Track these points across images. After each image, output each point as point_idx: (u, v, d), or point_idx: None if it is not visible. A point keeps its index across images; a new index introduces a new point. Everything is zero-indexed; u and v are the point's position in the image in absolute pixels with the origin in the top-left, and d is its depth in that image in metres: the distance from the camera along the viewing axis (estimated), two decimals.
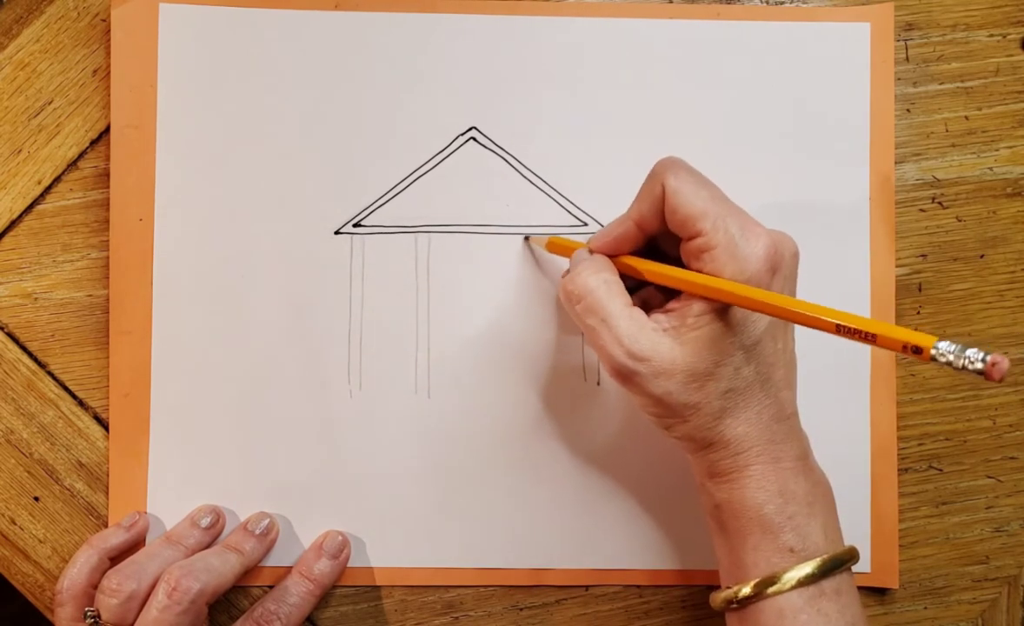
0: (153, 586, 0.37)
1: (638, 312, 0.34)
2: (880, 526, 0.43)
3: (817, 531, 0.34)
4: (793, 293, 0.35)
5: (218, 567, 0.39)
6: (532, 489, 0.43)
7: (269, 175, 0.43)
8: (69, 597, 0.39)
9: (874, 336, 0.28)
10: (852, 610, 0.34)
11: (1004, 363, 0.25)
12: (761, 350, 0.34)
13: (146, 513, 0.42)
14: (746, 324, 0.33)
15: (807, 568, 0.33)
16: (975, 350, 0.25)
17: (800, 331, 0.42)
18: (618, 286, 0.35)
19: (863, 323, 0.28)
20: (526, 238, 0.43)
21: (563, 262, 0.42)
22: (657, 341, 0.33)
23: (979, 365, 0.25)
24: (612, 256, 0.37)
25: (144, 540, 0.42)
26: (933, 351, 0.26)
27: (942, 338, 0.26)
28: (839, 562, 0.34)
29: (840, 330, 0.29)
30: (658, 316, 0.34)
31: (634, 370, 0.33)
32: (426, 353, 0.43)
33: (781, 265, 0.33)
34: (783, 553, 0.33)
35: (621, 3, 0.43)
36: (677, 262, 0.35)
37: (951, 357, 0.26)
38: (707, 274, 0.33)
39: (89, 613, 0.38)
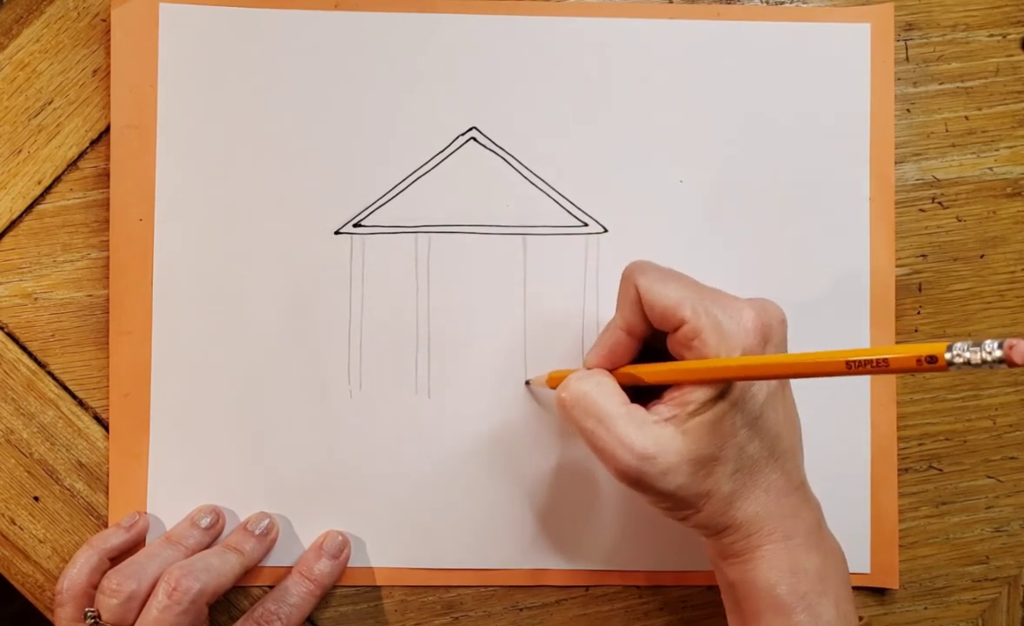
0: (153, 586, 0.37)
1: (636, 408, 0.34)
2: (880, 526, 0.43)
3: (829, 609, 0.33)
4: None
5: (218, 567, 0.39)
6: (532, 489, 0.43)
7: (269, 175, 0.43)
8: (69, 597, 0.39)
9: (886, 361, 0.27)
10: None
11: (1022, 344, 0.24)
12: (764, 423, 0.33)
13: (146, 513, 0.42)
14: (746, 400, 0.33)
15: None
16: (990, 341, 0.25)
17: (797, 334, 0.43)
18: (612, 386, 0.35)
19: (872, 352, 0.27)
20: (527, 382, 0.42)
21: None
22: (659, 434, 0.33)
23: (997, 354, 0.24)
24: (610, 369, 0.36)
25: (144, 540, 0.42)
26: (948, 355, 0.25)
27: (949, 340, 0.26)
28: None
29: (851, 366, 0.28)
30: (657, 407, 0.34)
31: (641, 470, 0.33)
32: (426, 353, 0.43)
33: (771, 334, 0.33)
34: None
35: (621, 3, 0.43)
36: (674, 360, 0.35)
37: (968, 356, 0.25)
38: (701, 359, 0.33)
39: (89, 613, 0.38)
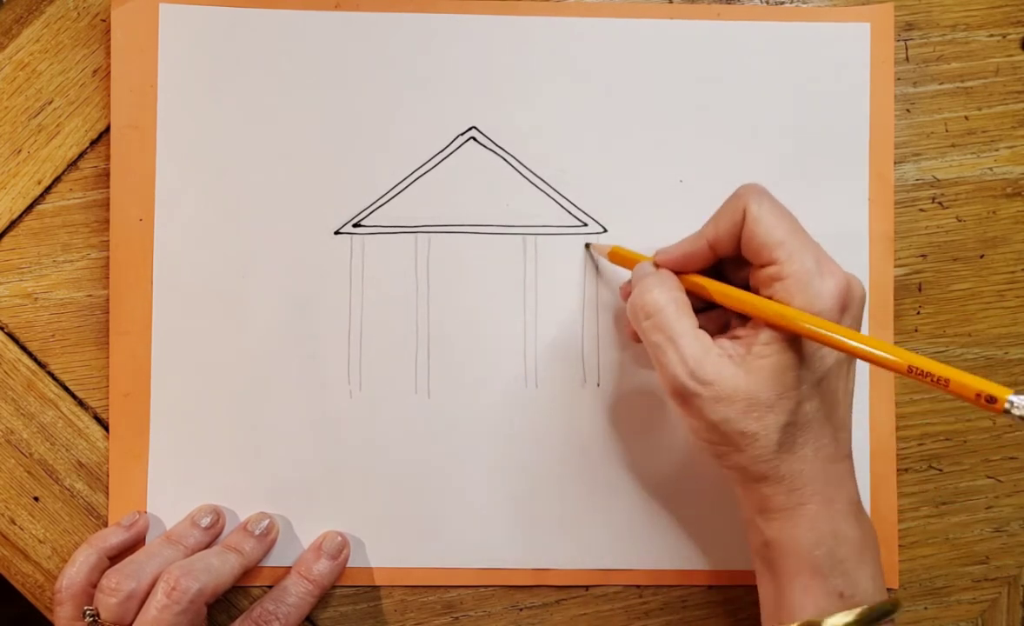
0: (152, 585, 0.37)
1: (704, 335, 0.34)
2: (880, 526, 0.43)
3: (866, 578, 0.33)
4: None
5: (218, 567, 0.39)
6: (532, 489, 0.43)
7: (269, 175, 0.43)
8: (68, 596, 0.39)
9: (946, 381, 0.28)
10: None
11: None
12: (826, 387, 0.33)
13: (146, 513, 0.42)
14: (814, 359, 0.33)
15: (851, 616, 0.32)
16: None
17: None
18: (687, 306, 0.35)
19: (935, 367, 0.28)
20: (587, 245, 0.43)
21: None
22: (722, 366, 0.33)
23: None
24: (678, 273, 0.37)
25: (144, 540, 0.42)
26: (1007, 404, 0.27)
27: (1017, 390, 0.27)
28: (884, 612, 0.33)
29: (911, 371, 0.29)
30: (723, 341, 0.34)
31: (695, 392, 0.33)
32: (426, 353, 0.43)
33: (850, 306, 0.33)
34: (832, 597, 0.33)
35: (621, 3, 0.43)
36: (739, 286, 0.35)
37: None
38: (777, 303, 0.33)
39: (88, 612, 0.38)
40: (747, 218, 0.34)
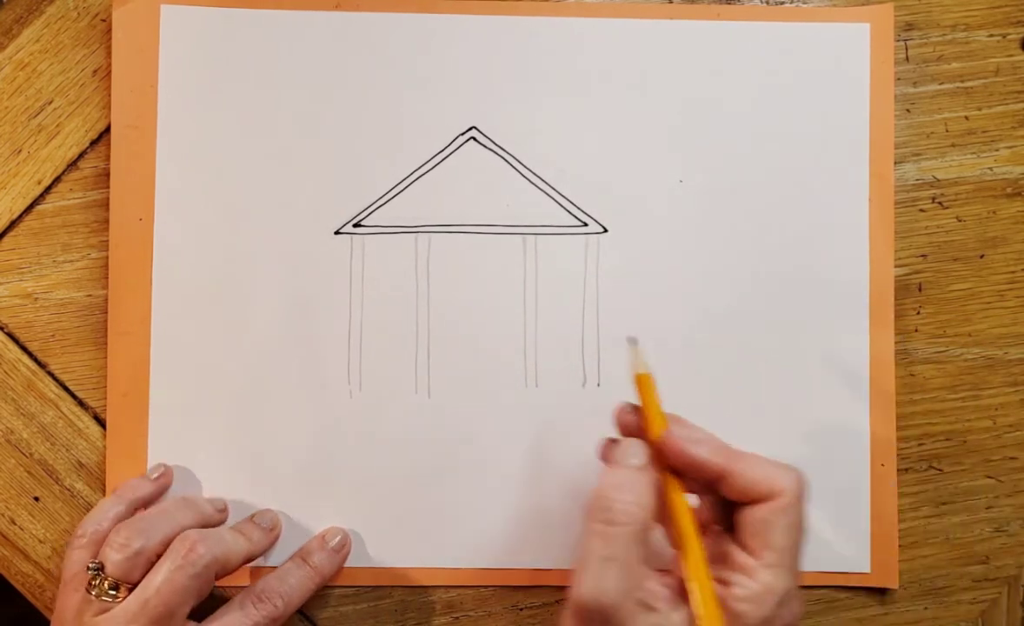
0: (161, 547, 0.37)
1: (649, 594, 0.31)
2: (880, 526, 0.43)
3: None
4: None
5: (230, 542, 0.39)
6: (532, 489, 0.43)
7: (269, 175, 0.43)
8: (91, 542, 0.38)
9: None
10: None
11: None
12: None
13: (170, 467, 0.42)
14: None
15: None
16: None
17: (797, 334, 0.43)
18: (646, 531, 0.32)
19: None
20: (633, 340, 0.37)
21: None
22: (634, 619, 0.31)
23: None
24: (673, 468, 0.33)
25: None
26: None
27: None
28: None
29: None
30: (652, 586, 0.32)
31: (588, 617, 0.31)
32: (426, 353, 0.43)
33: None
34: None
35: (621, 3, 0.43)
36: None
37: None
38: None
39: (92, 566, 0.37)
40: (774, 505, 0.31)
